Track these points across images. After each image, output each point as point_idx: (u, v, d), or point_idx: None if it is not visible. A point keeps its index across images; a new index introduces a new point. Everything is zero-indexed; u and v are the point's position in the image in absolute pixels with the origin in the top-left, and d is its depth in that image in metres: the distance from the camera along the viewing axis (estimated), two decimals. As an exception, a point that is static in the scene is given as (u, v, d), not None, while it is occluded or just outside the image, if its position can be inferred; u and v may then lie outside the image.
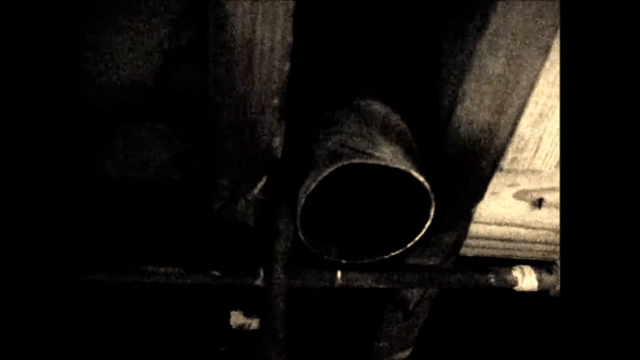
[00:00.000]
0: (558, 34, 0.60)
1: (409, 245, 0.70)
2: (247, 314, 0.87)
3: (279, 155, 0.66)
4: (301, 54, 0.60)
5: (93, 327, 0.95)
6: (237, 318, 0.87)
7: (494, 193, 0.77)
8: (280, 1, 0.53)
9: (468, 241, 0.82)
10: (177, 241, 0.84)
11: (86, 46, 0.67)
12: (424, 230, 0.69)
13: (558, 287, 0.82)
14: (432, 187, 0.64)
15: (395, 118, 0.70)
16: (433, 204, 0.65)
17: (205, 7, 0.56)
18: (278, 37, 0.55)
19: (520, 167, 0.74)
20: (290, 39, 0.56)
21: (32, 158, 0.47)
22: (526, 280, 0.80)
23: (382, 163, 0.62)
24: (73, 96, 0.49)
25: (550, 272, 0.81)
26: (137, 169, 0.80)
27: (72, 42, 0.49)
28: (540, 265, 0.83)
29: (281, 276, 0.67)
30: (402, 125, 0.70)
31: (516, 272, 0.80)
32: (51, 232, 0.48)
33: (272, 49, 0.56)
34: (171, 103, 0.75)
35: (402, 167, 0.62)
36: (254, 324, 0.88)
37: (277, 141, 0.64)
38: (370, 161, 0.62)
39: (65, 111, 0.49)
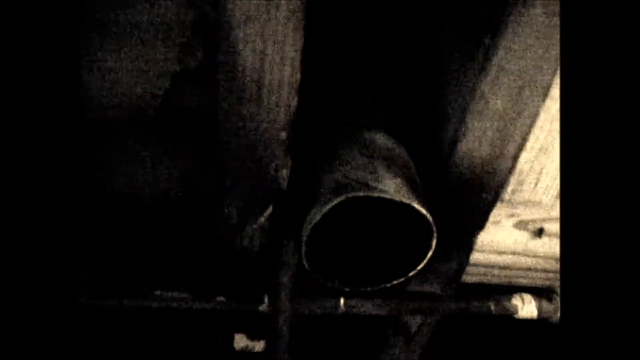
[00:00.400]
0: (558, 74, 0.61)
1: (410, 274, 0.72)
2: (251, 337, 0.88)
3: (285, 186, 0.67)
4: (308, 86, 0.62)
5: (97, 346, 0.96)
6: (241, 340, 0.88)
7: (495, 222, 0.78)
8: (289, 41, 0.55)
9: (469, 268, 0.83)
10: (181, 260, 0.85)
11: (94, 66, 0.68)
12: (425, 260, 0.70)
13: (557, 315, 0.83)
14: (434, 219, 0.66)
15: (399, 150, 0.71)
16: (435, 235, 0.67)
17: (214, 34, 0.58)
18: (286, 75, 0.57)
19: (520, 199, 0.75)
20: (298, 76, 0.57)
21: (29, 177, 0.48)
22: (526, 308, 0.81)
23: (385, 196, 0.63)
24: (71, 114, 0.50)
25: (550, 300, 0.82)
26: (142, 187, 0.81)
27: (71, 62, 0.50)
28: (540, 292, 0.85)
29: (286, 304, 0.69)
30: (406, 157, 0.71)
31: (516, 300, 0.81)
32: (47, 247, 0.48)
33: (280, 86, 0.58)
34: (178, 123, 0.76)
35: (405, 200, 0.64)
36: (258, 346, 0.89)
37: (284, 173, 0.66)
38: (374, 194, 0.63)
39: (63, 129, 0.49)
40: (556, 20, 0.57)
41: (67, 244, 0.50)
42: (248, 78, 0.57)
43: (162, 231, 0.83)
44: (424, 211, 0.65)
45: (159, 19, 0.63)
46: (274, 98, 0.59)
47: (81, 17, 0.62)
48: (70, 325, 0.51)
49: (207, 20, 0.62)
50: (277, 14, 0.53)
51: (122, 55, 0.66)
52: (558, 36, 0.58)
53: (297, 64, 0.57)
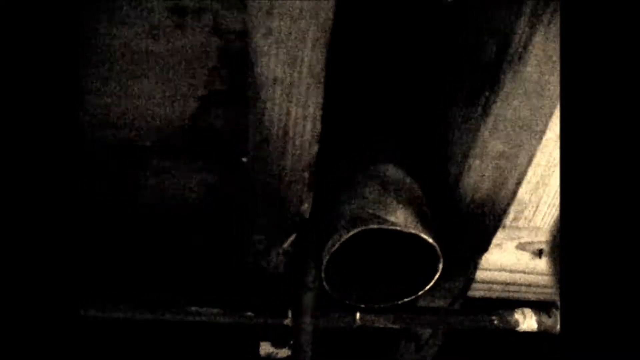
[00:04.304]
0: (552, 120, 0.68)
1: (419, 293, 0.80)
2: (275, 345, 0.97)
3: (307, 217, 0.76)
4: (329, 127, 0.69)
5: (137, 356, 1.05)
6: (266, 348, 0.97)
7: (498, 245, 0.85)
8: (311, 100, 0.63)
9: (475, 285, 0.91)
10: (214, 279, 0.92)
11: (126, 91, 0.73)
12: (433, 281, 0.78)
13: (557, 329, 0.90)
14: (440, 245, 0.73)
15: (409, 182, 0.79)
16: (441, 260, 0.74)
17: (238, 61, 0.66)
18: (308, 128, 0.65)
19: (521, 225, 0.82)
20: (319, 128, 0.65)
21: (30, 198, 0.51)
22: (527, 322, 0.88)
23: (397, 228, 0.71)
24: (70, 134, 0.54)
25: (549, 315, 0.89)
26: (171, 202, 0.86)
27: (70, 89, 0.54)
28: (540, 306, 0.92)
29: (307, 323, 0.77)
30: (416, 189, 0.79)
31: (518, 315, 0.88)
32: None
33: (303, 137, 0.66)
34: (204, 141, 0.82)
35: (413, 231, 0.71)
36: (281, 353, 0.97)
37: (306, 206, 0.74)
38: (385, 226, 0.71)
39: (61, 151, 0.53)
40: (548, 76, 0.64)
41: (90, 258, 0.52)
42: (275, 130, 0.65)
43: (195, 253, 0.91)
44: (430, 240, 0.72)
45: (187, 47, 0.68)
46: (297, 146, 0.67)
47: (112, 45, 0.67)
48: (112, 338, 0.57)
49: (232, 47, 0.68)
50: (300, 77, 0.61)
51: (153, 80, 0.72)
52: (550, 87, 0.65)
53: (317, 118, 0.64)
